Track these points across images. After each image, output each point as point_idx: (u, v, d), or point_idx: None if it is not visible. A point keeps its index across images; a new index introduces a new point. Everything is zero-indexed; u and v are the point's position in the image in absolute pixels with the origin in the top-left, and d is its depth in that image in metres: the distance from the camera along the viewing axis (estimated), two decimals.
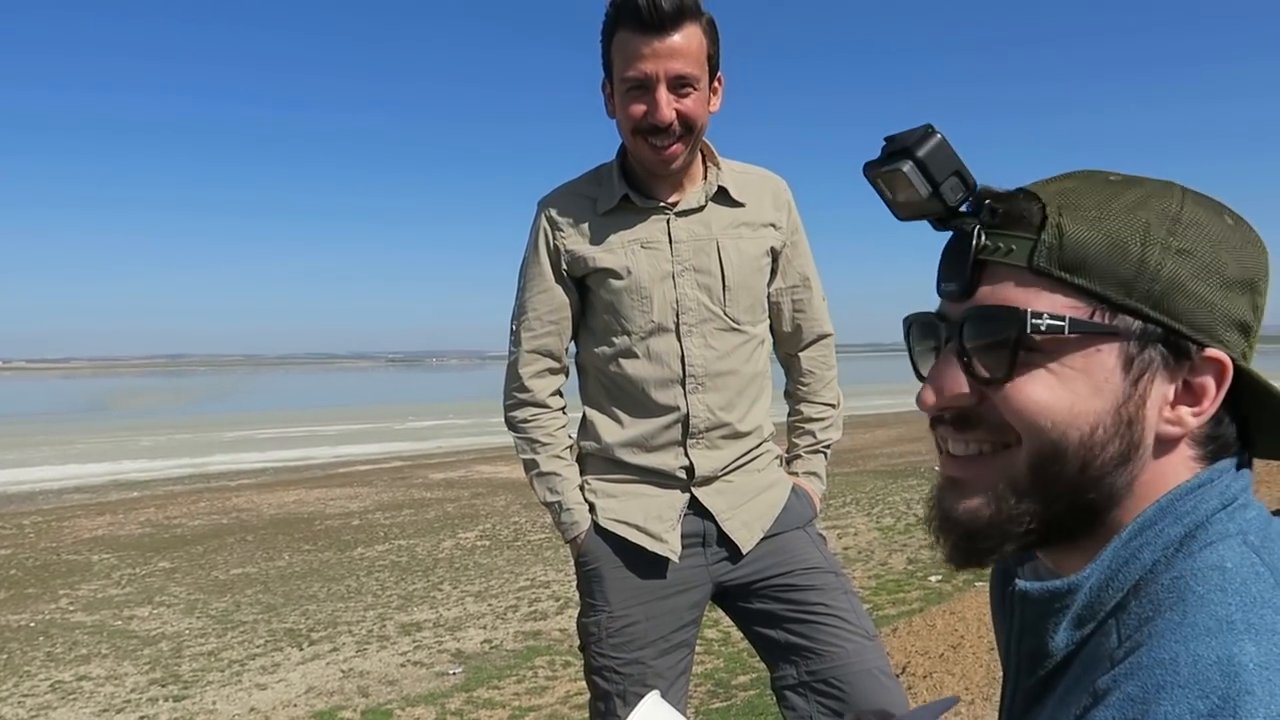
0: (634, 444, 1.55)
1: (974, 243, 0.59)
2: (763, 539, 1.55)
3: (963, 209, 0.61)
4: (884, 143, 0.61)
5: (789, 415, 1.75)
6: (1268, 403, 0.60)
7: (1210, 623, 0.50)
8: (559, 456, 1.60)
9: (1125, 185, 0.59)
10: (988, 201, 0.59)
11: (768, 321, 1.63)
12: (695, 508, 1.55)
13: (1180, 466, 0.59)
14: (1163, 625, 0.52)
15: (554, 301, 1.58)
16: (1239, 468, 0.61)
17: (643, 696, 1.49)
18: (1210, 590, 0.52)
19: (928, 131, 0.59)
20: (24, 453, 21.45)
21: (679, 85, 1.41)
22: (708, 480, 1.55)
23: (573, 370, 1.69)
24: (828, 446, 1.72)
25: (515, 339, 1.61)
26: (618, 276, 1.52)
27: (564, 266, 1.57)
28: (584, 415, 1.63)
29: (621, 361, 1.54)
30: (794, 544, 1.57)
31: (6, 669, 6.19)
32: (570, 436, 1.65)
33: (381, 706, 5.12)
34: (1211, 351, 0.57)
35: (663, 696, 1.48)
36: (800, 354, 1.70)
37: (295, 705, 5.27)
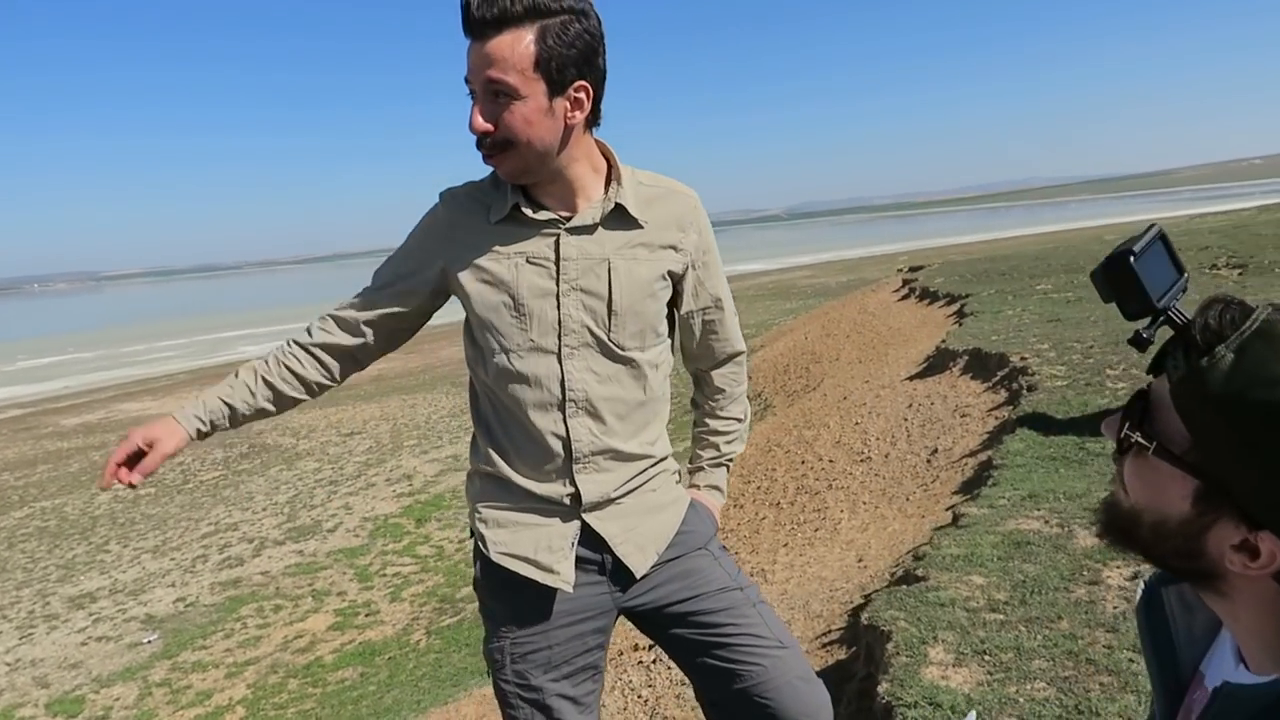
0: (518, 468, 1.50)
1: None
2: (666, 562, 1.56)
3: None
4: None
5: (694, 426, 1.75)
6: None
7: None
8: (254, 371, 1.55)
9: None
10: None
11: (663, 345, 1.57)
12: (588, 534, 1.51)
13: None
14: None
15: (398, 290, 1.52)
16: None
17: None
18: None
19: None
20: None
21: (493, 94, 1.34)
22: (597, 505, 1.51)
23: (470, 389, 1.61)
24: (730, 459, 1.76)
25: (356, 292, 1.55)
26: (497, 291, 1.45)
27: (441, 264, 1.49)
28: (474, 435, 1.56)
29: (502, 382, 1.47)
30: (698, 567, 1.58)
31: None
32: (292, 381, 1.57)
33: (70, 695, 4.59)
34: None
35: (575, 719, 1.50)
36: (712, 372, 1.69)
37: None
